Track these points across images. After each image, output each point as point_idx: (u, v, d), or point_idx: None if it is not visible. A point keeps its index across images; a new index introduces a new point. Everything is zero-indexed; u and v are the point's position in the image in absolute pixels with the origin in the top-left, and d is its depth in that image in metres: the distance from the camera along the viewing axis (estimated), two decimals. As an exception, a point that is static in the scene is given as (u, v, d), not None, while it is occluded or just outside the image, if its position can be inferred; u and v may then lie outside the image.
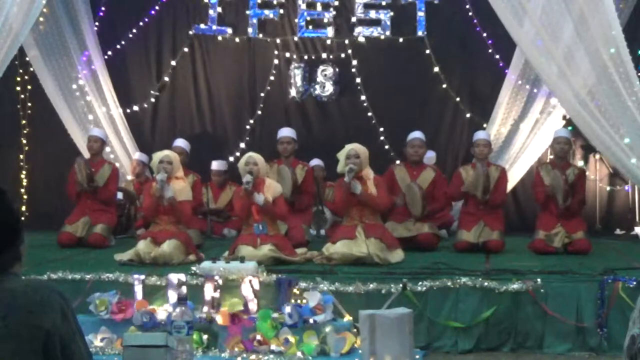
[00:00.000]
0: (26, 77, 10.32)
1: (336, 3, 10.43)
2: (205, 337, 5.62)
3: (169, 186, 7.09)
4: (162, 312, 5.78)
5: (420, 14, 10.27)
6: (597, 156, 9.78)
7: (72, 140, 10.04)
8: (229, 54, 10.59)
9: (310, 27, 10.47)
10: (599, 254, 7.44)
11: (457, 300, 6.01)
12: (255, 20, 10.48)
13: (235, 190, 8.24)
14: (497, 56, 10.01)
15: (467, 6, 10.09)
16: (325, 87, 10.36)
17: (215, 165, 9.57)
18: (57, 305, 2.16)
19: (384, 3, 10.36)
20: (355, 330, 5.64)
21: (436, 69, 10.20)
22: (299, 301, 5.78)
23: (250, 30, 10.48)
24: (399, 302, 5.85)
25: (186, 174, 8.07)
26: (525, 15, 7.13)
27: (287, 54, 10.47)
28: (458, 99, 10.23)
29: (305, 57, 10.46)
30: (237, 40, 10.53)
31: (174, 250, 6.91)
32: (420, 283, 6.01)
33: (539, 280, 6.01)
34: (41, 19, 9.53)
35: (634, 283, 5.91)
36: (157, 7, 10.56)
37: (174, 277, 5.88)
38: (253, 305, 5.77)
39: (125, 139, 10.29)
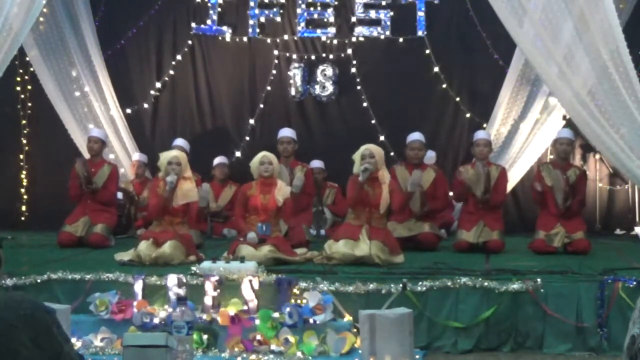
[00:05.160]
0: (26, 77, 10.33)
1: (336, 3, 10.43)
2: (205, 337, 5.61)
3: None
4: (162, 312, 5.78)
5: (420, 14, 10.27)
6: (597, 156, 9.79)
7: (72, 141, 10.05)
8: (229, 54, 10.59)
9: (310, 27, 10.46)
10: (599, 254, 7.43)
11: (457, 300, 6.00)
12: (255, 21, 10.47)
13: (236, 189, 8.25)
14: (497, 56, 10.02)
15: (467, 6, 10.09)
16: (325, 87, 10.35)
17: (219, 159, 9.63)
18: (42, 323, 2.04)
19: (384, 3, 10.36)
20: (355, 330, 5.63)
21: (436, 69, 10.20)
22: (299, 301, 5.77)
23: (250, 30, 10.47)
24: (399, 302, 5.84)
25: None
26: (525, 15, 7.12)
27: (287, 54, 10.47)
28: (458, 99, 10.24)
29: (305, 57, 10.46)
30: (237, 40, 10.53)
31: (175, 251, 6.89)
32: (420, 283, 6.00)
33: (539, 280, 6.00)
34: (41, 19, 9.54)
35: (634, 283, 5.90)
36: (157, 7, 10.56)
37: (174, 277, 5.88)
38: (253, 305, 5.77)
39: (125, 139, 10.29)
